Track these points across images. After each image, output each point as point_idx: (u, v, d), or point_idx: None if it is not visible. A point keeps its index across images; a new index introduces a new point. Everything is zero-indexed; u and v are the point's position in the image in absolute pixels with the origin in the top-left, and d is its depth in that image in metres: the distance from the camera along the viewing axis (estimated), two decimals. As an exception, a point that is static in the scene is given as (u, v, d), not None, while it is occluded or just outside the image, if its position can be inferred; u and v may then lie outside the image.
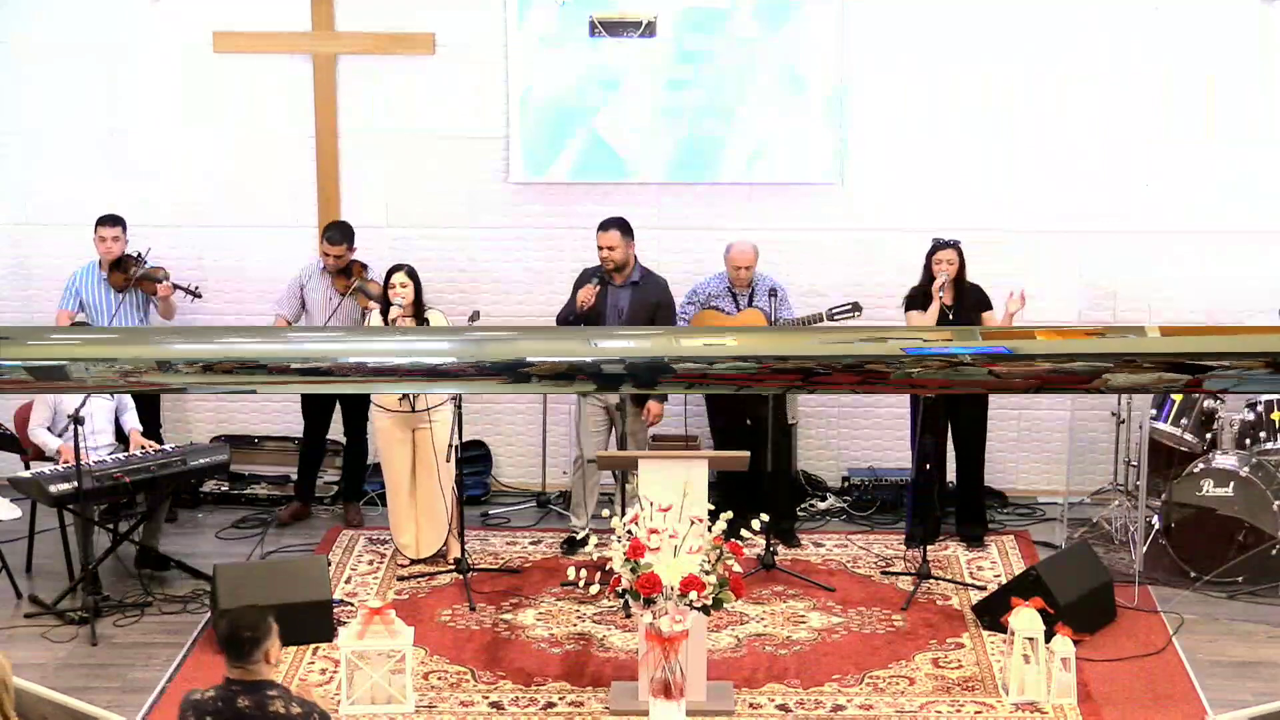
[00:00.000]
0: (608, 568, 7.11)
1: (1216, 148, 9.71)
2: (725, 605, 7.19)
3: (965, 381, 4.91)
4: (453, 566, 8.83)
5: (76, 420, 8.22)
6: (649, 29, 9.73)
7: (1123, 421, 9.38)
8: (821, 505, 9.94)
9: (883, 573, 8.94)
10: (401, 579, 8.82)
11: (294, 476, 9.93)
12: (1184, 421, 9.07)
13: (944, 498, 9.41)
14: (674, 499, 7.14)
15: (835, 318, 9.13)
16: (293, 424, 9.95)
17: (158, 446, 8.92)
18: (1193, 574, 8.62)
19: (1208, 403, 9.07)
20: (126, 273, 9.47)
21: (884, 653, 7.96)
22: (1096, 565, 8.37)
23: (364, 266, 9.49)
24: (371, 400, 9.09)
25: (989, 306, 9.23)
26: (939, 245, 9.13)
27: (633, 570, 6.99)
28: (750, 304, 9.24)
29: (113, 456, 8.65)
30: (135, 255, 9.47)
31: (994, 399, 9.46)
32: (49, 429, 8.83)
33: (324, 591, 8.09)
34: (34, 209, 10.09)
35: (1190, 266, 9.77)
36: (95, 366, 4.83)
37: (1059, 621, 7.48)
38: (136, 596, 8.49)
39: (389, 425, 8.95)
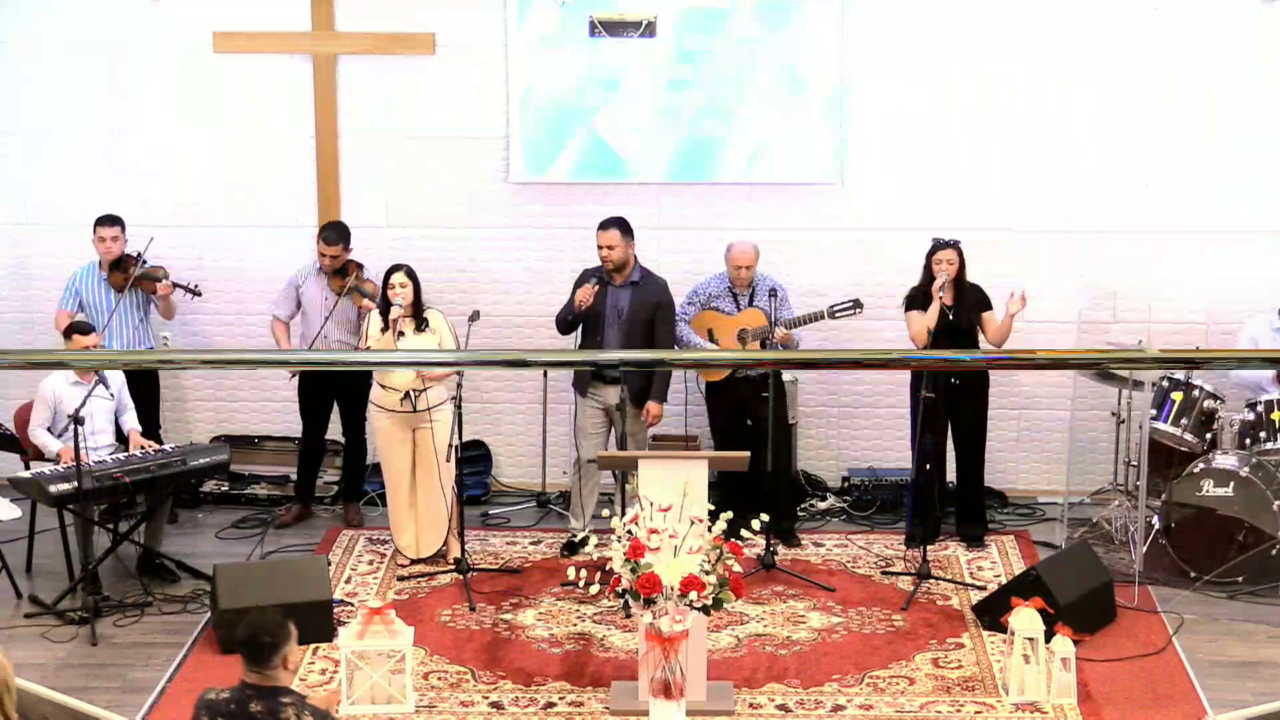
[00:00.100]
0: (608, 568, 7.11)
1: (1216, 148, 9.71)
2: (725, 605, 7.19)
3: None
4: (453, 566, 8.83)
5: (76, 420, 8.22)
6: (649, 29, 9.73)
7: (1123, 421, 9.38)
8: (821, 505, 9.94)
9: (883, 573, 8.94)
10: (401, 579, 8.82)
11: (294, 477, 9.93)
12: (1184, 421, 9.06)
13: (944, 498, 9.41)
14: (674, 499, 7.14)
15: (837, 315, 9.13)
16: (293, 424, 9.94)
17: (158, 446, 8.91)
18: (1193, 574, 8.61)
19: (1208, 403, 9.07)
20: (126, 272, 9.47)
21: (884, 653, 7.96)
22: (1096, 565, 8.37)
23: (360, 266, 9.49)
24: (371, 400, 9.09)
25: (989, 306, 9.23)
26: (939, 245, 9.12)
27: (633, 570, 6.99)
28: (750, 304, 9.24)
29: (113, 457, 8.64)
30: (135, 255, 9.47)
31: (994, 399, 9.46)
32: (49, 429, 8.83)
33: (324, 591, 8.09)
34: (34, 209, 10.09)
35: (1190, 266, 9.77)
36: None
37: (1059, 621, 7.49)
38: (136, 596, 8.49)
39: (389, 425, 8.95)
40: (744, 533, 7.24)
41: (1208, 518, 8.66)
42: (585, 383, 9.12)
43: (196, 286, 9.54)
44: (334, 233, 9.42)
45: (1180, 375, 9.11)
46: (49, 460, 8.75)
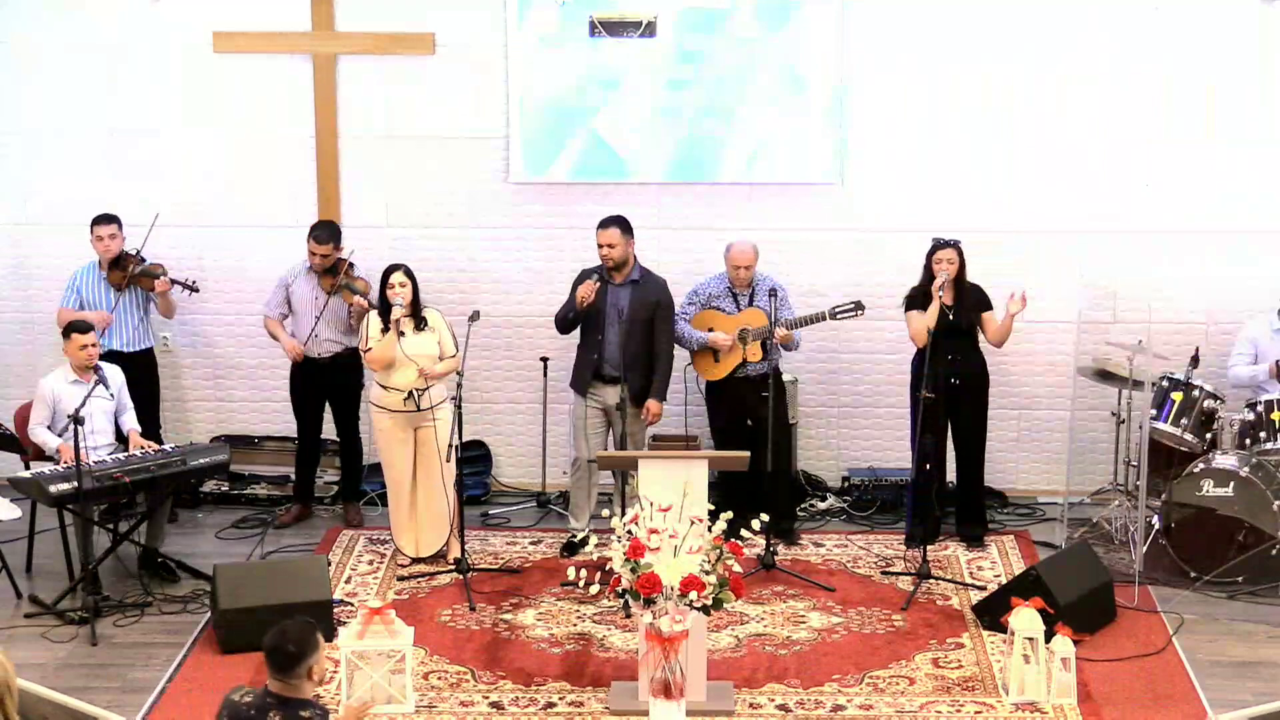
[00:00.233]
0: (608, 568, 7.11)
1: (1216, 148, 9.71)
2: (725, 605, 7.19)
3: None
4: (453, 566, 8.83)
5: (76, 420, 8.22)
6: (649, 29, 9.73)
7: (1123, 421, 9.38)
8: (821, 505, 9.94)
9: (883, 573, 8.94)
10: (401, 579, 8.82)
11: (294, 477, 9.93)
12: (1184, 421, 9.06)
13: (944, 498, 9.41)
14: (674, 499, 7.14)
15: (839, 317, 9.14)
16: (292, 424, 9.93)
17: (157, 446, 8.91)
18: (1193, 574, 8.61)
19: (1208, 403, 9.07)
20: (125, 270, 9.48)
21: (884, 653, 7.96)
22: (1096, 565, 8.37)
23: (351, 265, 9.49)
24: (372, 401, 9.08)
25: (989, 306, 9.23)
26: (939, 245, 9.12)
27: (633, 570, 6.99)
28: (750, 304, 9.24)
29: (112, 456, 8.64)
30: (134, 253, 9.48)
31: (994, 399, 9.46)
32: (48, 428, 8.82)
33: (324, 591, 8.08)
34: (34, 209, 10.09)
35: (1190, 266, 9.77)
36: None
37: (1059, 621, 7.48)
38: (136, 596, 8.49)
39: (390, 425, 8.95)
40: (744, 533, 7.23)
41: (1208, 518, 8.66)
42: (585, 383, 9.12)
43: (194, 282, 9.56)
44: (324, 231, 9.43)
45: (1180, 375, 9.12)
46: (49, 459, 8.75)
